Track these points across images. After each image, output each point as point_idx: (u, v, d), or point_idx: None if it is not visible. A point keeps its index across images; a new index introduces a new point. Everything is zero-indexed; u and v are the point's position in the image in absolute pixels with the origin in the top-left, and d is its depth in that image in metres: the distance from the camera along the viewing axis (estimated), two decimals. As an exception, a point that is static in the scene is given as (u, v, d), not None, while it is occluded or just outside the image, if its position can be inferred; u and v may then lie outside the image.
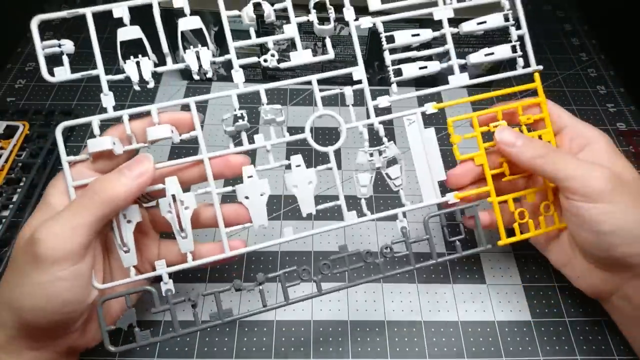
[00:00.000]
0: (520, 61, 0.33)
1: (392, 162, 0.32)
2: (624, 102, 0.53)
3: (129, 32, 0.28)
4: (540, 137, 0.33)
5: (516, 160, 0.31)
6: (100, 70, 0.28)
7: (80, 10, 0.28)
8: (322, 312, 0.37)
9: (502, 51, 0.33)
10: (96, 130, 0.28)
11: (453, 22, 0.32)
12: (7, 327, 0.26)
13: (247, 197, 0.30)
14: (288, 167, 0.31)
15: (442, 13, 0.32)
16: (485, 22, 0.32)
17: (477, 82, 0.33)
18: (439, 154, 0.32)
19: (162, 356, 0.34)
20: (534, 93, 0.34)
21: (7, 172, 0.43)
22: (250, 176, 0.30)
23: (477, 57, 0.33)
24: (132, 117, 0.29)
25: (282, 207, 0.42)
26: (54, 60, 0.28)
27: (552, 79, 0.54)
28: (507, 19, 0.32)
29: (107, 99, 0.28)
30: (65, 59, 0.28)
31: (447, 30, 0.32)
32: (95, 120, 0.28)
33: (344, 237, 0.40)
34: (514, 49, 0.33)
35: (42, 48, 0.27)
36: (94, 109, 0.48)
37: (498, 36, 0.33)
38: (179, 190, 0.29)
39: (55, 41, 0.27)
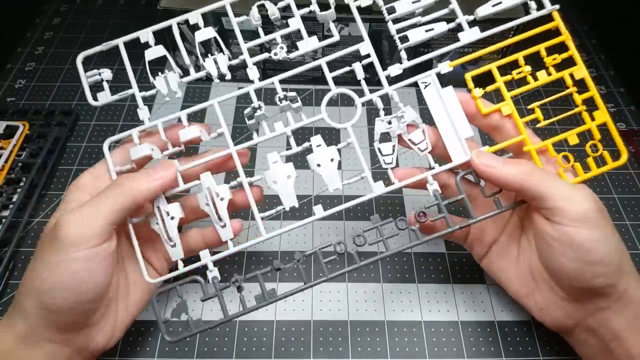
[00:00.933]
0: (533, 4, 0.32)
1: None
2: (624, 102, 0.52)
3: (155, 52, 0.32)
4: (572, 76, 0.32)
5: (498, 180, 0.29)
6: (135, 89, 0.32)
7: (113, 42, 0.32)
8: (322, 312, 0.37)
9: (510, -2, 0.32)
10: (136, 140, 0.31)
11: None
12: (30, 316, 0.27)
13: (275, 182, 0.31)
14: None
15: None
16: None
17: (489, 34, 0.32)
18: (462, 111, 0.31)
19: (163, 356, 0.34)
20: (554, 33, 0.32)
21: (7, 172, 0.42)
22: (275, 161, 0.31)
23: (485, 9, 0.32)
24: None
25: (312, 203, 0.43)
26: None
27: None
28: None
29: (143, 112, 0.32)
30: (105, 85, 0.32)
31: (449, -10, 0.32)
32: (134, 132, 0.32)
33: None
34: (522, -7, 0.32)
35: (86, 78, 0.32)
36: (94, 109, 0.50)
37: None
38: (213, 183, 0.31)
39: (95, 70, 0.32)
